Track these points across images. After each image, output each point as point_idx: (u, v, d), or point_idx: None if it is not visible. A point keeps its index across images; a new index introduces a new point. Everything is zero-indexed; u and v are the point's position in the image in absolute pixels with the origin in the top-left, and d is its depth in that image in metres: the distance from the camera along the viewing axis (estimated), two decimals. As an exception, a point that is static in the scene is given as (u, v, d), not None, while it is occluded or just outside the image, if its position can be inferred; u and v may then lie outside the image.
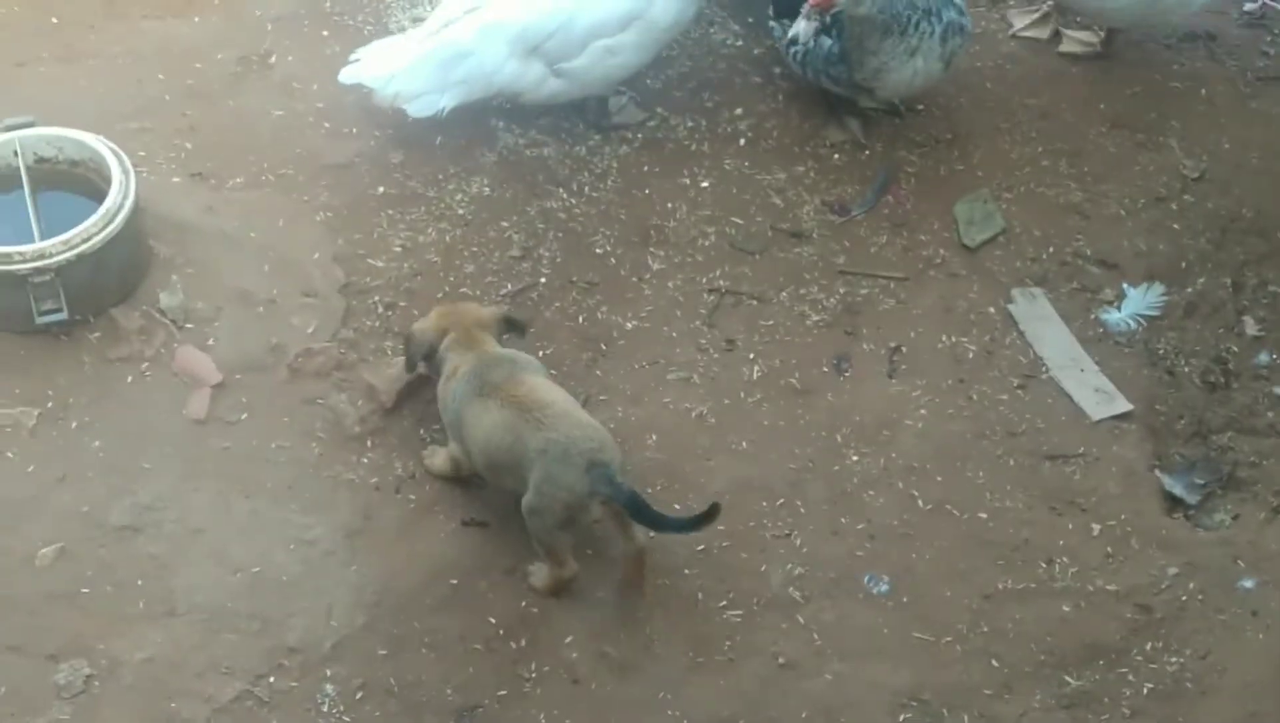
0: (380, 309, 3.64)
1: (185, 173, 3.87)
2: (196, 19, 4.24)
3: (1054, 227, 3.92)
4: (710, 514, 3.05)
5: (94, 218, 3.44)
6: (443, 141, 3.98)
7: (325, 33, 4.23)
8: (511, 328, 3.40)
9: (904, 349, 3.66)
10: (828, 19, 3.82)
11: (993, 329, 3.70)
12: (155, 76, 4.07)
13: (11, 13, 4.20)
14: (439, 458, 3.35)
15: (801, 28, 3.81)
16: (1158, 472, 3.49)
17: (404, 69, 3.81)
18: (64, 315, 3.43)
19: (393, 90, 3.82)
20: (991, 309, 3.75)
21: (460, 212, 3.84)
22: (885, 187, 3.98)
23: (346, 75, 3.86)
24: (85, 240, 3.42)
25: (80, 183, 3.65)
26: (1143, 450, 3.50)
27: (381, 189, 3.88)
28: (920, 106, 4.16)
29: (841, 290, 3.77)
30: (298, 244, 3.74)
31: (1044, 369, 3.63)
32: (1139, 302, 3.77)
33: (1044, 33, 4.31)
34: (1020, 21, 4.35)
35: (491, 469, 3.20)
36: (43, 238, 3.45)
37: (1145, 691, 3.12)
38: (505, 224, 3.83)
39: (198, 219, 3.76)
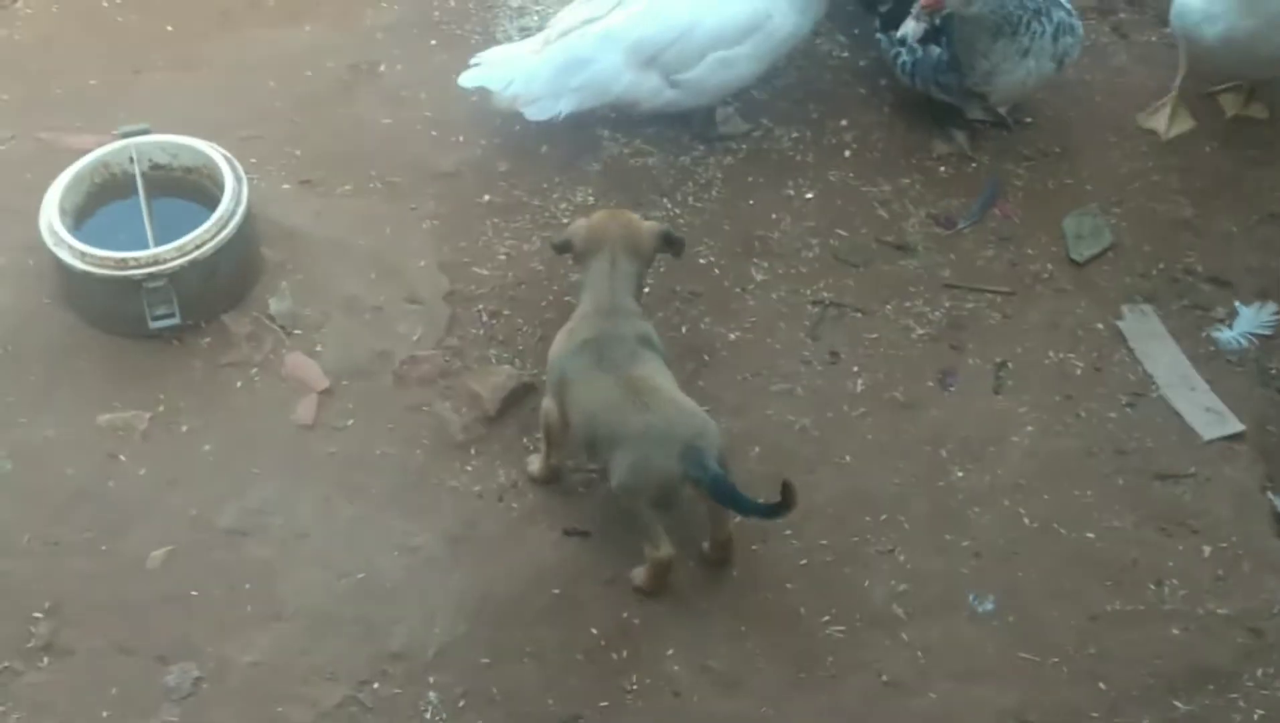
0: (484, 317, 3.65)
1: (295, 180, 3.91)
2: (307, 28, 4.29)
3: (1164, 242, 3.87)
4: (787, 501, 3.04)
5: (207, 224, 3.49)
6: (548, 151, 4.00)
7: (433, 42, 4.26)
8: (669, 246, 3.40)
9: (1010, 365, 3.62)
10: (937, 20, 3.79)
11: (1101, 346, 3.65)
12: (267, 85, 4.12)
13: (129, 21, 4.27)
14: (539, 462, 3.36)
15: (910, 28, 3.77)
16: (1269, 494, 3.43)
17: (523, 74, 3.85)
18: (176, 320, 3.49)
19: (511, 94, 3.86)
20: (1100, 325, 3.70)
21: (565, 220, 3.84)
22: (992, 200, 3.95)
23: (466, 79, 3.90)
24: (198, 247, 3.47)
25: (194, 189, 3.70)
26: (1254, 472, 3.44)
27: (487, 197, 3.90)
28: (1029, 119, 4.12)
29: (947, 304, 3.74)
30: (404, 251, 3.77)
31: (1154, 387, 3.57)
32: (1251, 320, 3.71)
33: (1188, 123, 4.12)
34: (1158, 124, 4.13)
35: (587, 442, 3.22)
36: (157, 244, 3.52)
37: (1256, 717, 3.06)
38: (609, 235, 3.84)
39: (307, 225, 3.80)
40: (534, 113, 3.87)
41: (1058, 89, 4.16)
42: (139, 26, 4.25)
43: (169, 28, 4.26)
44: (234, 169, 3.62)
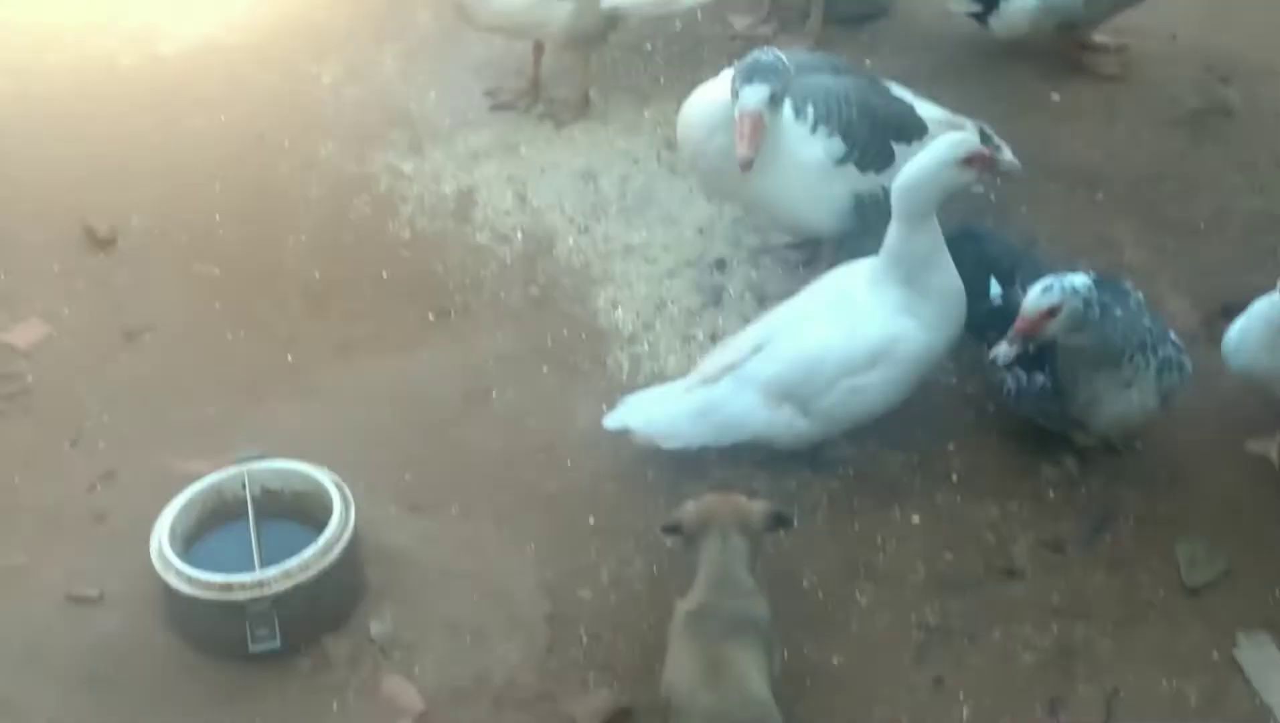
0: (584, 640, 3.63)
1: (404, 504, 3.98)
2: (425, 356, 4.42)
3: (1282, 569, 3.78)
4: None
5: (312, 550, 3.55)
6: (654, 476, 4.03)
7: (545, 369, 4.37)
8: (779, 524, 3.49)
9: (1122, 693, 3.50)
10: (1030, 347, 3.79)
11: (1216, 675, 3.52)
12: (382, 412, 4.23)
13: (251, 352, 4.43)
14: None
15: (1002, 350, 3.75)
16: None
17: (664, 415, 3.96)
18: (277, 644, 3.52)
19: (650, 432, 3.96)
20: (1215, 654, 3.58)
21: (667, 543, 3.85)
22: (1103, 525, 3.89)
23: (611, 421, 3.99)
24: (303, 571, 3.52)
25: (302, 513, 3.77)
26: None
27: (592, 520, 3.93)
28: (1139, 445, 4.08)
29: (1056, 630, 3.65)
30: (507, 574, 3.79)
31: (1272, 720, 3.43)
32: (1375, 650, 3.57)
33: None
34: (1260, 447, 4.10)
35: (664, 708, 3.23)
36: (263, 567, 3.58)
37: None
38: (713, 558, 3.84)
39: (412, 549, 3.85)
40: (670, 446, 3.97)
41: (1169, 416, 4.13)
42: (261, 357, 4.41)
43: (289, 358, 4.41)
44: (342, 494, 3.69)
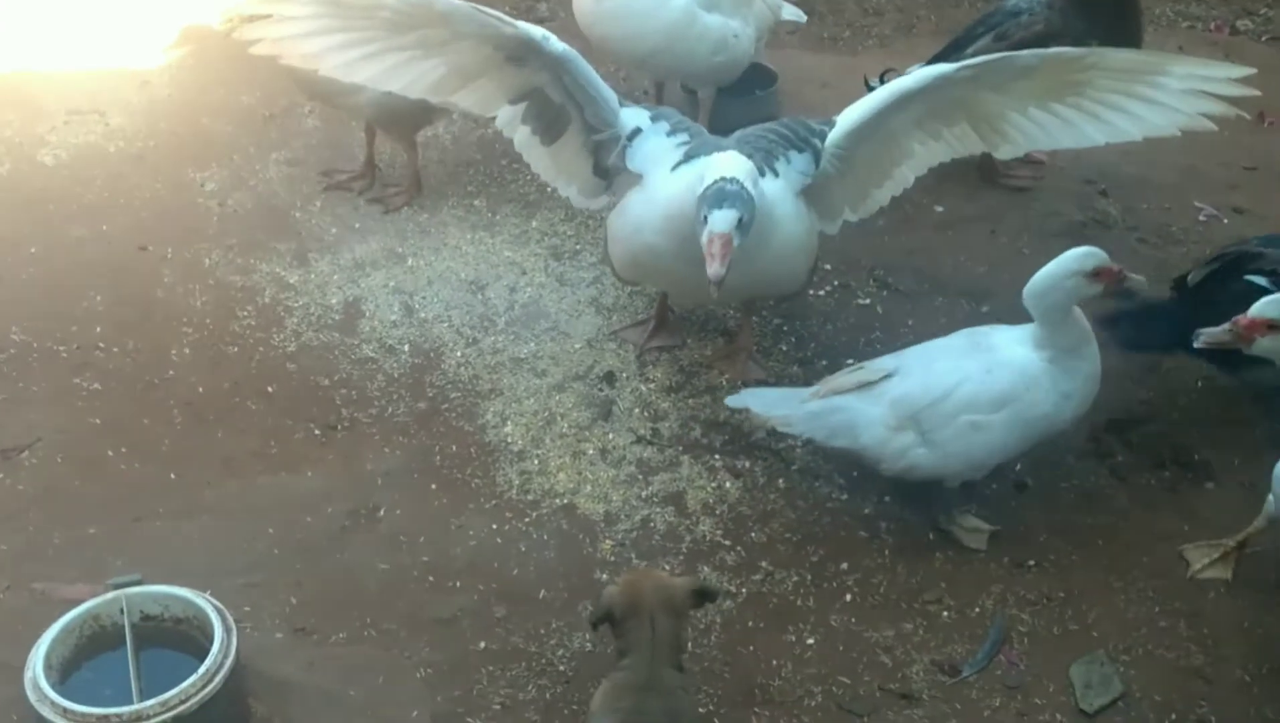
0: (476, 774, 3.56)
1: (289, 628, 3.87)
2: (310, 473, 4.32)
3: (1176, 692, 3.76)
4: None
5: (192, 678, 3.42)
6: (545, 595, 3.97)
7: (433, 486, 4.29)
8: (703, 599, 3.51)
9: (1021, 827, 3.49)
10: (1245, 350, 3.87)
11: (1117, 807, 3.52)
12: (266, 531, 4.12)
13: (132, 471, 4.30)
14: None
15: (1207, 333, 3.86)
16: None
17: (787, 408, 4.11)
18: (156, 782, 3.39)
19: (770, 415, 4.13)
20: (1114, 782, 3.58)
21: (561, 668, 3.78)
22: (997, 646, 3.87)
23: (734, 401, 4.21)
24: (183, 702, 3.39)
25: (184, 640, 3.64)
26: None
27: (483, 644, 3.84)
28: (1031, 562, 4.08)
29: (955, 758, 3.63)
30: (397, 702, 3.69)
31: None
32: (1274, 782, 3.59)
33: (1226, 573, 4.08)
34: (1198, 561, 4.10)
35: None
36: (143, 698, 3.45)
37: None
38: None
39: (298, 676, 3.73)
40: (784, 431, 4.14)
41: (1060, 532, 4.16)
42: (142, 475, 4.28)
43: (172, 476, 4.29)
44: (224, 620, 3.57)
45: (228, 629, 3.56)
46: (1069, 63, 4.14)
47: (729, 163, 4.00)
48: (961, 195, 5.50)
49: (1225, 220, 5.46)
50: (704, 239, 3.89)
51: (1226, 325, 3.85)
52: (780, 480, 4.33)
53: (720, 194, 3.90)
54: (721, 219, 3.88)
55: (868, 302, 4.97)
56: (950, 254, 5.22)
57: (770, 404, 4.17)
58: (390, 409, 4.55)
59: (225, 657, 3.50)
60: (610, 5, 5.21)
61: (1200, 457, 4.41)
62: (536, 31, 4.18)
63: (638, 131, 4.31)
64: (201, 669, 3.46)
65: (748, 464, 4.37)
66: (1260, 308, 3.80)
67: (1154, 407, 4.59)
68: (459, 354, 4.75)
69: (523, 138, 4.43)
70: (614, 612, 3.40)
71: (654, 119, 4.33)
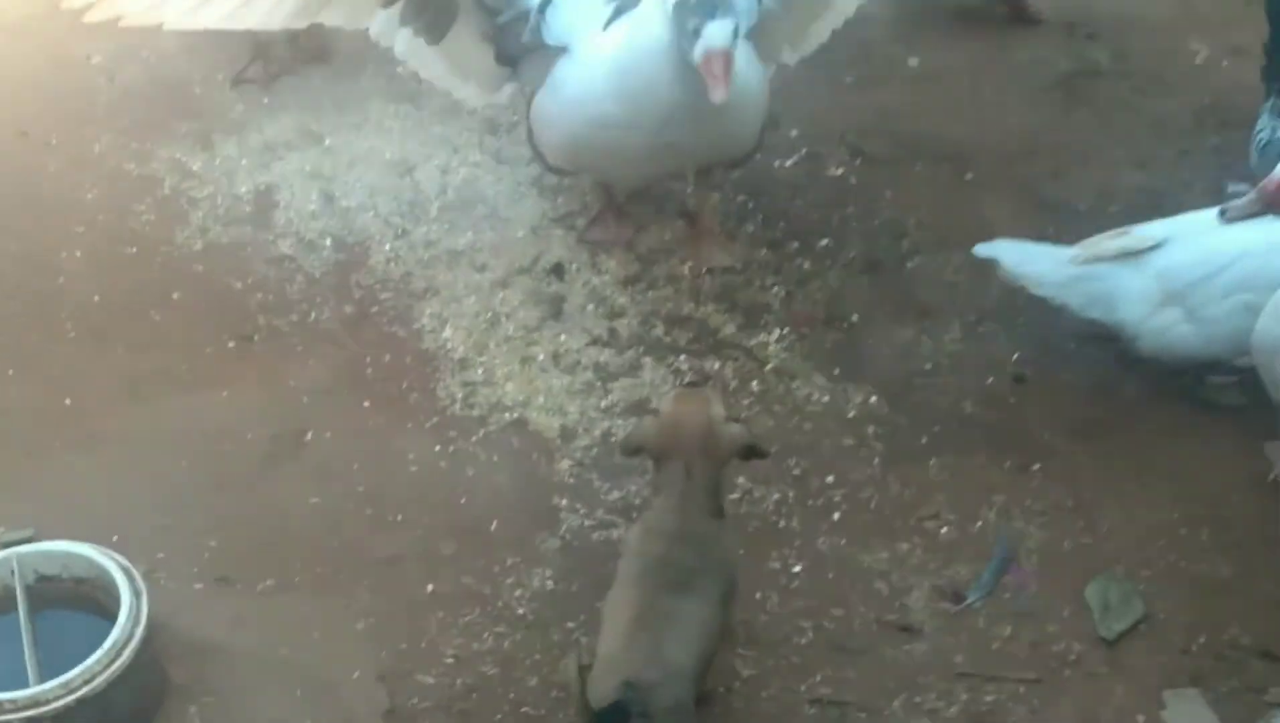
0: (430, 739, 3.14)
1: (209, 577, 3.42)
2: (225, 393, 3.84)
3: (1203, 610, 3.37)
4: None
5: (98, 654, 2.98)
6: (499, 528, 3.53)
7: (366, 403, 3.82)
8: (754, 455, 3.14)
9: (1043, 770, 3.11)
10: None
11: (1146, 743, 3.16)
12: (179, 464, 3.65)
13: (23, 395, 3.81)
14: None
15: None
16: None
17: (1042, 266, 3.73)
18: (62, 768, 2.96)
19: (1023, 272, 3.73)
20: (1141, 717, 3.19)
21: (520, 612, 3.36)
22: (1004, 566, 3.48)
23: (982, 249, 3.77)
24: (87, 682, 2.95)
25: (87, 601, 3.20)
26: None
27: (431, 587, 3.41)
28: (1035, 466, 3.67)
29: (964, 697, 3.23)
30: (335, 661, 3.26)
31: (1210, 792, 3.08)
32: (1313, 703, 3.22)
33: None
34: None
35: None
36: (42, 668, 3.02)
37: None
38: (572, 625, 3.33)
39: (221, 635, 3.29)
40: (1035, 292, 3.74)
41: (1066, 430, 3.75)
42: (33, 402, 3.78)
43: (67, 401, 3.80)
44: (132, 582, 3.12)
45: (136, 593, 3.11)
46: None
47: None
48: (937, 45, 5.00)
49: (1225, 62, 4.98)
50: (697, 58, 3.44)
51: (1253, 193, 3.54)
52: (754, 382, 3.88)
53: (708, 3, 3.44)
54: (718, 31, 3.42)
55: (840, 172, 4.49)
56: (928, 114, 4.73)
57: (1022, 260, 3.75)
58: (313, 314, 4.05)
59: (135, 626, 3.05)
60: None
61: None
62: None
63: (548, 2, 3.79)
64: (107, 644, 3.01)
65: (717, 365, 3.92)
66: None
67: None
68: (388, 248, 4.24)
69: (404, 42, 3.90)
70: (647, 449, 3.08)
71: None
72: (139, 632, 3.04)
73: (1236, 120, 4.53)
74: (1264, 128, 4.15)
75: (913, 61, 4.96)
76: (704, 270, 4.12)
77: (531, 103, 3.94)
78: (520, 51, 3.86)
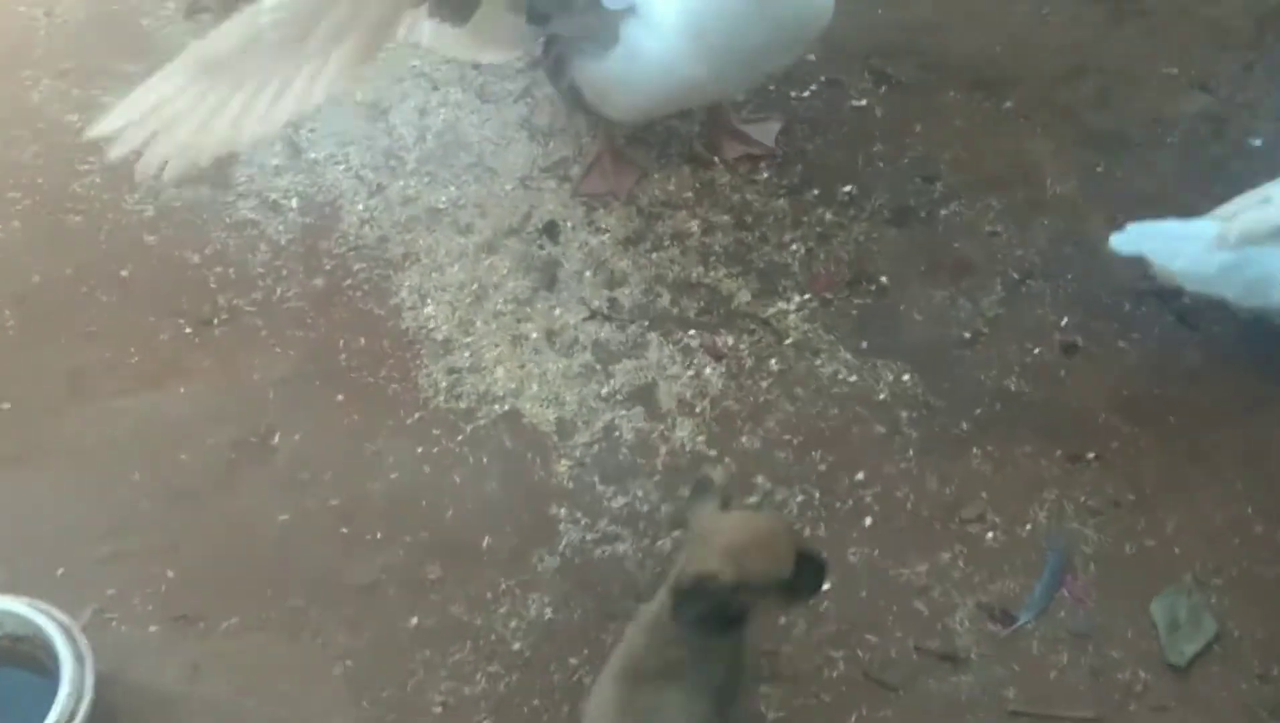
0: (418, 811, 2.79)
1: (166, 616, 3.04)
2: (182, 389, 3.43)
3: (1284, 627, 3.02)
4: None
5: (35, 739, 2.63)
6: (490, 545, 3.15)
7: (340, 397, 3.41)
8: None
9: (1110, 833, 2.76)
10: None
11: (1227, 797, 2.79)
12: (130, 476, 3.26)
13: (-47, 397, 3.42)
14: None
15: None
16: None
17: (1193, 256, 3.28)
18: None
19: (1176, 268, 3.30)
20: (1217, 762, 2.84)
21: (516, 646, 2.99)
22: (1058, 577, 3.09)
23: (1121, 243, 3.34)
24: (24, 770, 2.61)
25: (28, 660, 2.84)
26: None
27: (415, 619, 3.04)
28: (1090, 455, 3.27)
29: (1018, 738, 2.88)
30: (311, 712, 2.90)
31: None
32: None
33: None
34: None
35: None
36: (-13, 735, 2.69)
37: None
38: (574, 661, 2.97)
39: (180, 686, 2.93)
40: (1191, 288, 3.33)
41: (1124, 408, 3.33)
42: (-34, 408, 3.40)
43: (5, 406, 3.40)
44: (74, 644, 2.75)
45: (79, 658, 2.74)
46: None
47: None
48: (967, -51, 4.49)
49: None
50: None
51: None
52: (772, 361, 3.46)
53: None
54: None
55: (863, 103, 4.02)
56: (959, 30, 4.23)
57: (1170, 251, 3.31)
58: (279, 290, 3.63)
59: (78, 702, 2.69)
60: None
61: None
62: None
63: None
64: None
65: (730, 340, 3.50)
66: None
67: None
68: (361, 207, 3.81)
69: (432, 32, 3.51)
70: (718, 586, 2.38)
71: None
72: (83, 708, 2.68)
73: (1306, 26, 4.05)
74: None
75: (942, -33, 4.46)
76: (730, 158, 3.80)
77: (585, 67, 3.48)
78: (557, 8, 3.41)
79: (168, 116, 3.07)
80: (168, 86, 3.08)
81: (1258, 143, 3.90)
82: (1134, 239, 3.34)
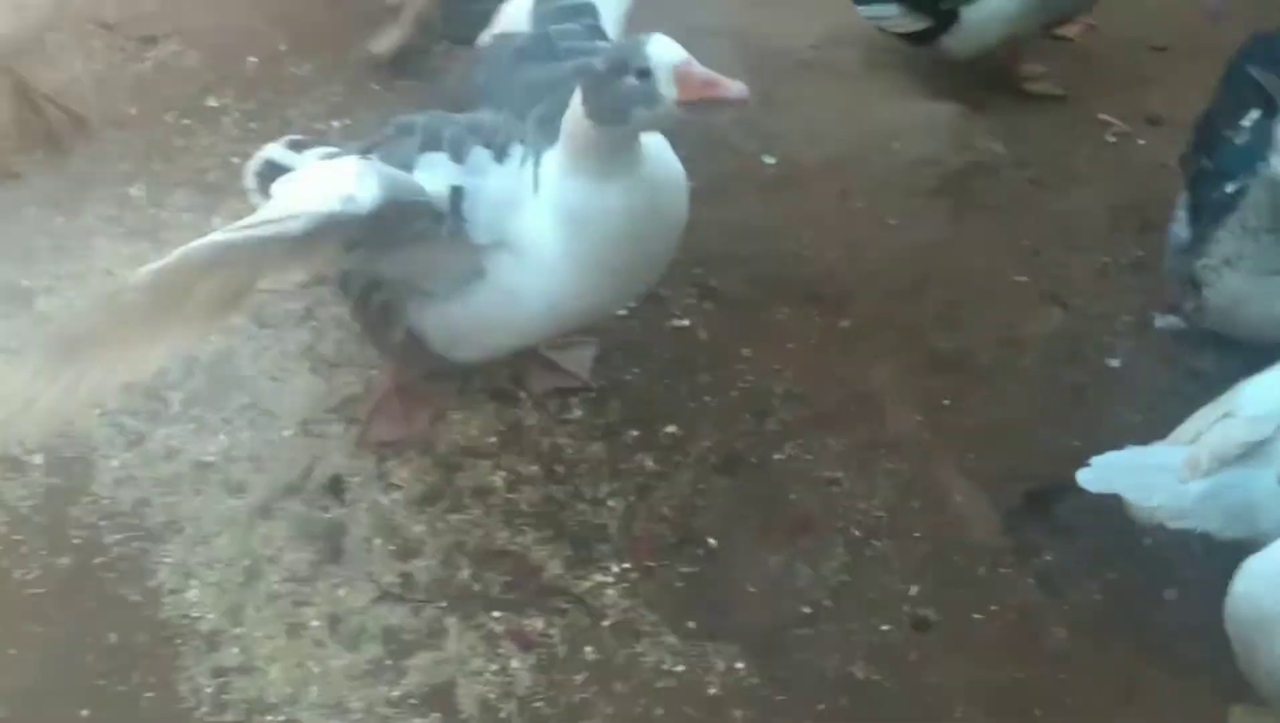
0: None
1: None
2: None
3: None
4: None
5: None
6: None
7: (84, 712, 2.90)
8: None
9: None
10: None
11: None
12: None
13: None
14: None
15: None
16: None
17: (1169, 492, 2.97)
18: None
19: (1154, 506, 2.97)
20: None
21: None
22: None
23: (1092, 481, 2.99)
24: None
25: None
26: None
27: None
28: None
29: None
30: None
31: None
32: None
33: None
34: None
35: None
36: None
37: None
38: None
39: None
40: (1175, 526, 2.95)
41: (980, 698, 2.97)
42: None
43: None
44: None
45: None
46: None
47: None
48: (797, 139, 4.13)
49: (1141, 141, 4.20)
50: (672, 89, 2.69)
51: None
52: (588, 648, 3.04)
53: (620, 48, 2.84)
54: (663, 45, 2.72)
55: (686, 322, 3.64)
56: (791, 234, 3.87)
57: (1143, 486, 2.96)
58: (17, 572, 3.11)
59: None
60: None
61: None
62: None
63: (458, 193, 2.92)
64: None
65: (540, 624, 3.07)
66: None
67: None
68: (116, 463, 3.31)
69: None
70: None
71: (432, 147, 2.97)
72: None
73: (1161, 219, 3.74)
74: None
75: (769, 160, 4.09)
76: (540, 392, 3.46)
77: (434, 311, 3.10)
78: (391, 244, 2.98)
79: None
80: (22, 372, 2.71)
81: (1115, 363, 3.60)
82: (1103, 477, 3.00)
